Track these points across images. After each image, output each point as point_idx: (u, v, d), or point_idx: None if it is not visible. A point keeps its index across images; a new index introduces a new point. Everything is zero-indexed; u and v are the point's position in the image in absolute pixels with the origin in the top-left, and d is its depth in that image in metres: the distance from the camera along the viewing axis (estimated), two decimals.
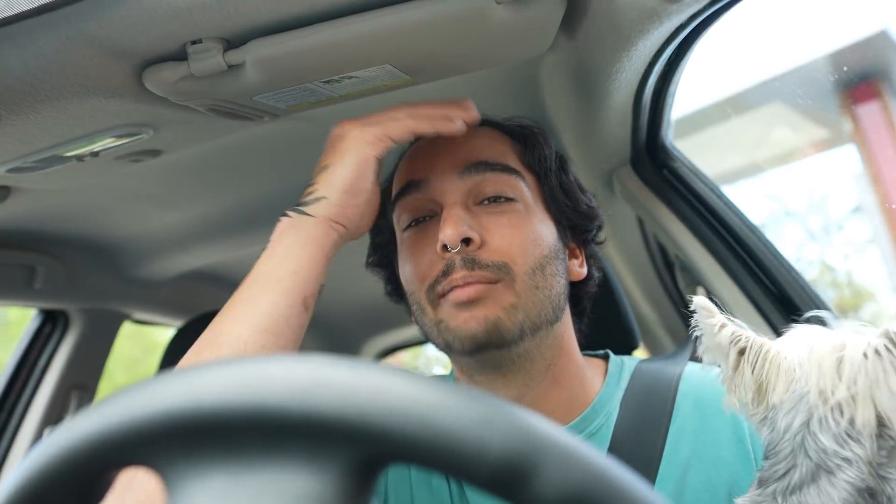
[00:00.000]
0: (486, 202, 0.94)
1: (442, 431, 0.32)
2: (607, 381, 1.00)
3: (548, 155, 1.02)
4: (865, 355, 0.68)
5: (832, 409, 0.68)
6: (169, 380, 0.35)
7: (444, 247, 0.88)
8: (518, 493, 0.32)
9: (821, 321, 0.77)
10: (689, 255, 1.32)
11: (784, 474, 0.68)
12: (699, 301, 0.76)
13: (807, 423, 0.69)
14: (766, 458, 0.71)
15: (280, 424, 0.34)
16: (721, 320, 0.75)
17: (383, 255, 1.09)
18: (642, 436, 0.92)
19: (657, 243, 1.94)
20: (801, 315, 1.19)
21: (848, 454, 0.67)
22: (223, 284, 2.20)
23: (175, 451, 0.35)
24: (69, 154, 1.01)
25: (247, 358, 0.36)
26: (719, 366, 0.75)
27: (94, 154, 1.03)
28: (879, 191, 7.29)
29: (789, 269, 1.24)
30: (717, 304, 0.77)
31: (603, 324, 1.36)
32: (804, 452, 0.68)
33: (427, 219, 0.95)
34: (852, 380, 0.68)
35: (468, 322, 0.87)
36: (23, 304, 1.72)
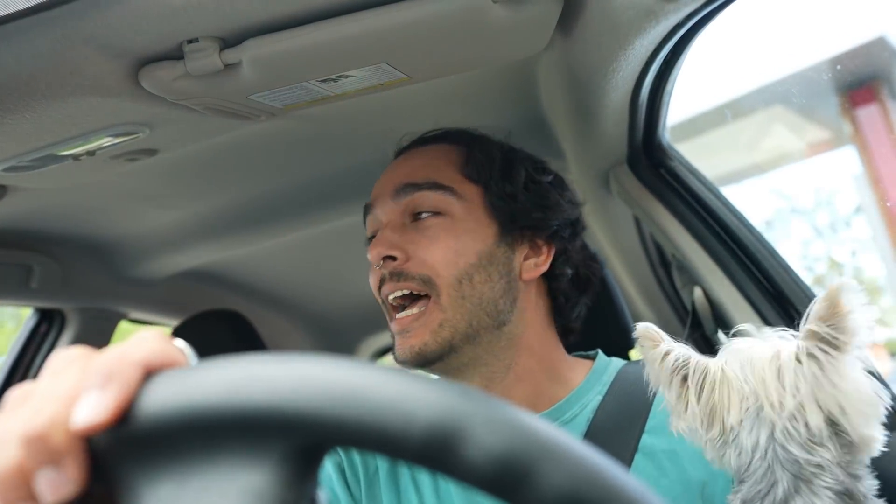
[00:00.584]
0: (418, 219, 1.01)
1: (367, 410, 0.33)
2: (589, 376, 1.04)
3: (487, 162, 1.05)
4: (798, 360, 0.68)
5: (789, 420, 0.68)
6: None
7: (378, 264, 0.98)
8: (448, 462, 0.33)
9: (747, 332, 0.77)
10: (686, 253, 1.32)
11: (768, 492, 0.67)
12: (641, 330, 0.76)
13: (772, 437, 0.68)
14: (741, 482, 0.70)
15: (214, 424, 0.35)
16: (664, 348, 0.74)
17: None
18: (619, 427, 0.95)
19: (654, 242, 1.94)
20: (799, 313, 1.19)
21: (818, 460, 0.67)
22: (219, 284, 2.20)
23: (127, 466, 0.36)
24: (65, 153, 1.00)
25: (182, 368, 0.38)
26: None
27: (91, 153, 1.03)
28: (878, 191, 7.33)
29: (786, 267, 1.24)
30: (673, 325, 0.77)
31: (599, 323, 1.36)
32: (780, 466, 0.68)
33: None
34: (795, 387, 0.68)
35: (400, 349, 0.97)
36: (19, 304, 1.71)
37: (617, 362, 1.08)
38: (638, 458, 0.93)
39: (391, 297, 0.97)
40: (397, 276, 0.96)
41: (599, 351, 1.11)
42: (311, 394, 0.34)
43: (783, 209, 10.14)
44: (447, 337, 0.95)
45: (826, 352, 0.67)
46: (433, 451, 0.33)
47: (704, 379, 0.72)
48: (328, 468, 1.01)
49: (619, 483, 0.33)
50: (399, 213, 1.01)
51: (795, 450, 0.67)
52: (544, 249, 1.06)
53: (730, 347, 0.75)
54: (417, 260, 0.97)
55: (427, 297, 0.96)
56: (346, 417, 0.33)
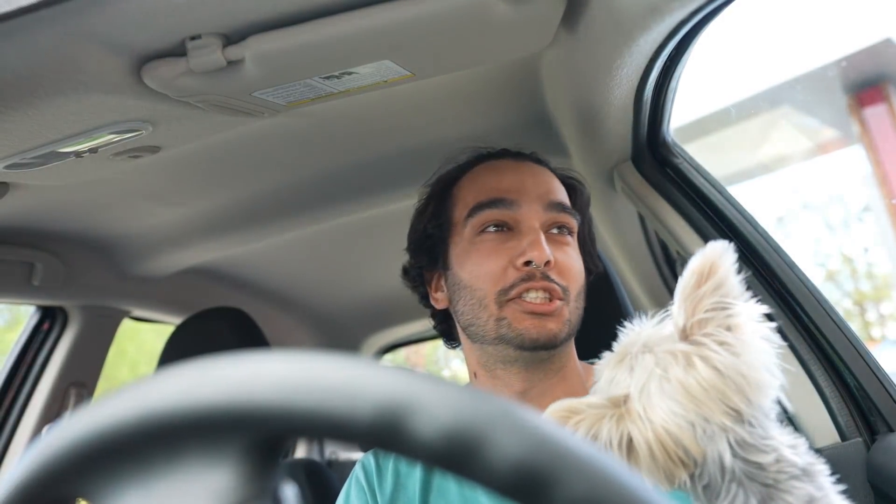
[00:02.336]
0: (554, 231, 1.12)
1: (316, 397, 0.33)
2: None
3: (587, 205, 1.23)
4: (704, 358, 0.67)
5: (733, 425, 0.66)
6: (74, 418, 0.37)
7: (528, 262, 1.04)
8: (398, 439, 0.33)
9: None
10: (691, 251, 1.32)
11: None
12: (552, 410, 0.73)
13: (731, 450, 0.66)
14: None
15: (171, 428, 0.35)
16: (574, 423, 0.71)
17: (430, 244, 1.19)
18: None
19: (658, 240, 1.94)
20: (804, 310, 1.19)
21: (772, 456, 0.66)
22: (222, 281, 2.20)
23: (92, 480, 0.37)
24: (67, 150, 1.00)
25: (139, 380, 0.38)
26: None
27: (93, 150, 1.03)
28: (886, 189, 7.34)
29: (791, 264, 1.23)
30: None
31: (604, 321, 1.36)
32: (748, 479, 0.66)
33: (503, 230, 1.10)
34: (722, 393, 0.66)
35: (531, 329, 1.04)
36: (21, 301, 1.71)
37: None
38: None
39: (536, 295, 1.05)
40: (547, 278, 1.05)
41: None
42: (261, 387, 0.34)
43: (795, 206, 10.17)
44: (566, 333, 1.07)
45: (726, 341, 0.66)
46: (381, 431, 0.33)
47: (630, 445, 0.69)
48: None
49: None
50: (545, 223, 1.10)
51: (755, 455, 0.66)
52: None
53: (599, 379, 0.75)
54: (559, 270, 1.07)
55: (560, 300, 1.06)
56: (298, 407, 0.34)
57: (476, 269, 1.09)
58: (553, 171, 1.20)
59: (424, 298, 1.24)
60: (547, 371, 1.10)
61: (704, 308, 0.69)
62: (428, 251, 1.19)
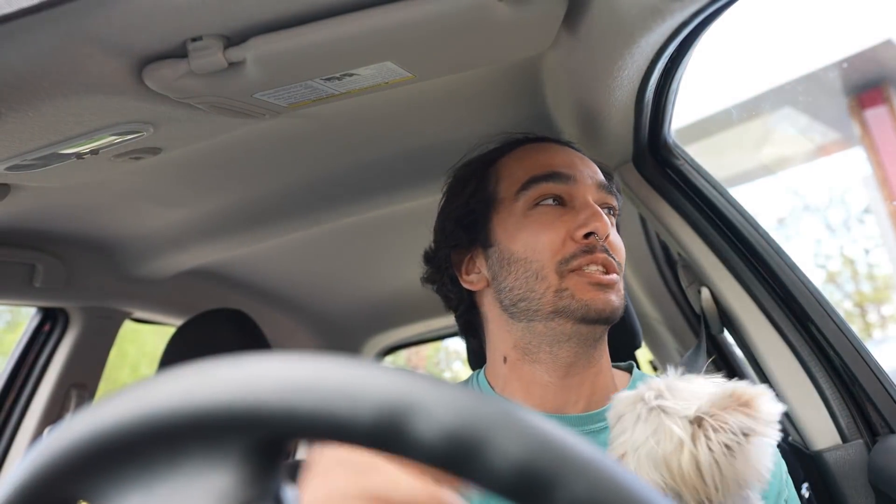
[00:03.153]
0: (605, 211, 1.10)
1: (317, 399, 0.33)
2: (631, 384, 1.13)
3: (620, 191, 1.22)
4: (710, 448, 0.72)
5: None
6: (75, 419, 0.37)
7: (588, 234, 1.04)
8: (399, 441, 0.33)
9: None
10: (692, 252, 1.32)
11: None
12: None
13: None
14: None
15: (173, 430, 0.35)
16: None
17: (471, 221, 1.16)
18: None
19: (659, 241, 1.94)
20: (805, 312, 1.19)
21: None
22: (223, 283, 2.20)
23: (97, 481, 0.37)
24: (69, 151, 1.00)
25: (140, 381, 0.38)
26: None
27: (94, 152, 1.03)
28: (886, 191, 7.35)
29: (792, 266, 1.23)
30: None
31: None
32: None
33: (557, 203, 1.09)
34: (714, 480, 0.72)
35: (598, 299, 1.03)
36: (22, 303, 1.71)
37: (648, 377, 1.14)
38: None
39: (596, 269, 1.05)
40: (606, 252, 1.05)
41: (633, 363, 1.19)
42: (263, 389, 0.34)
43: (796, 207, 10.18)
44: (620, 312, 1.06)
45: (739, 442, 0.71)
46: (382, 433, 0.33)
47: None
48: None
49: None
50: (596, 201, 1.09)
51: None
52: None
53: (630, 444, 0.79)
54: (612, 247, 1.07)
55: (617, 273, 1.07)
56: (299, 409, 0.34)
57: (532, 240, 1.07)
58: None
59: (453, 282, 1.19)
60: (592, 357, 1.08)
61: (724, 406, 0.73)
62: (467, 228, 1.16)
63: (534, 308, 1.06)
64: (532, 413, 0.34)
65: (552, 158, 1.13)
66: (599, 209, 1.06)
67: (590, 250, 1.04)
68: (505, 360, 1.11)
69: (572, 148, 1.19)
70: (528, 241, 1.07)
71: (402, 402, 0.33)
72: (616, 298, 1.05)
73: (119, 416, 0.36)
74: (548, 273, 1.05)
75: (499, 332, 1.13)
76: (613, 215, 1.14)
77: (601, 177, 1.14)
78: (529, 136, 1.21)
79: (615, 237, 1.10)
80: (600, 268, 1.04)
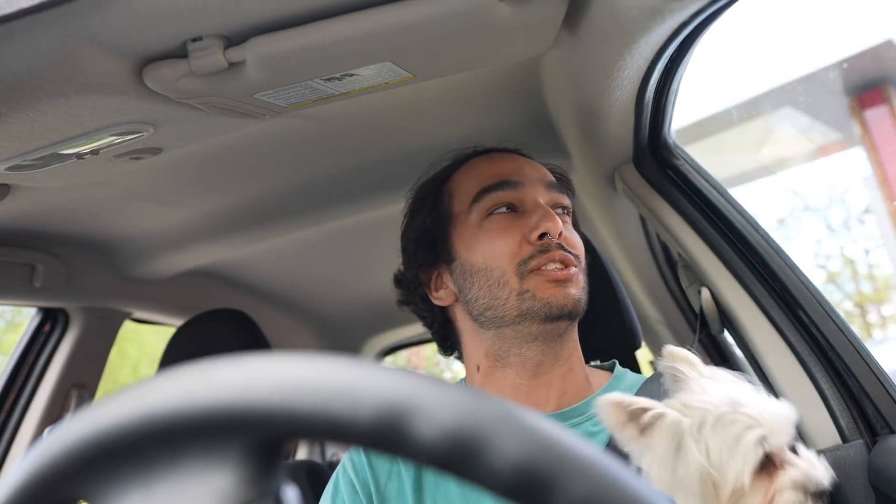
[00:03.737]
0: (557, 211, 1.14)
1: (317, 400, 0.33)
2: (610, 381, 1.16)
3: (573, 190, 1.26)
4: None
5: None
6: (75, 419, 0.37)
7: (542, 235, 1.07)
8: (399, 442, 0.33)
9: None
10: (692, 253, 1.32)
11: None
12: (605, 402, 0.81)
13: None
14: None
15: (173, 429, 0.35)
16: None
17: (430, 238, 1.19)
18: None
19: (660, 241, 1.93)
20: (806, 312, 1.18)
21: None
22: (223, 283, 2.20)
23: (97, 481, 0.37)
24: (69, 152, 1.00)
25: (140, 381, 0.38)
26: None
27: (94, 152, 1.03)
28: (887, 191, 7.36)
29: (792, 266, 1.23)
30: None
31: (605, 322, 1.36)
32: None
33: (510, 211, 1.12)
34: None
35: (558, 295, 1.06)
36: (22, 303, 1.71)
37: (634, 376, 1.18)
38: None
39: (554, 266, 1.08)
40: (562, 248, 1.08)
41: (615, 361, 1.21)
42: (263, 389, 0.34)
43: (796, 208, 10.19)
44: (583, 304, 1.10)
45: None
46: (382, 434, 0.33)
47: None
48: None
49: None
50: (547, 203, 1.13)
51: None
52: None
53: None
54: (568, 243, 1.10)
55: (575, 266, 1.10)
56: (299, 409, 0.34)
57: (489, 248, 1.10)
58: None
59: (424, 301, 1.22)
60: (560, 354, 1.11)
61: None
62: (428, 247, 1.19)
63: (500, 315, 1.09)
64: (532, 414, 0.34)
65: (499, 167, 1.17)
66: (550, 210, 1.10)
67: (545, 250, 1.07)
68: (478, 368, 1.15)
69: (520, 154, 1.23)
70: (486, 251, 1.11)
71: (401, 402, 0.33)
72: (575, 291, 1.08)
73: (119, 417, 0.36)
74: (508, 278, 1.08)
75: (471, 342, 1.16)
76: (567, 214, 1.18)
77: (551, 177, 1.18)
78: (478, 150, 1.24)
79: (570, 234, 1.14)
80: (558, 264, 1.07)
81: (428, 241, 1.19)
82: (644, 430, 0.80)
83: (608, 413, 0.81)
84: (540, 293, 1.06)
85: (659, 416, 0.79)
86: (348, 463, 1.14)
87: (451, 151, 1.25)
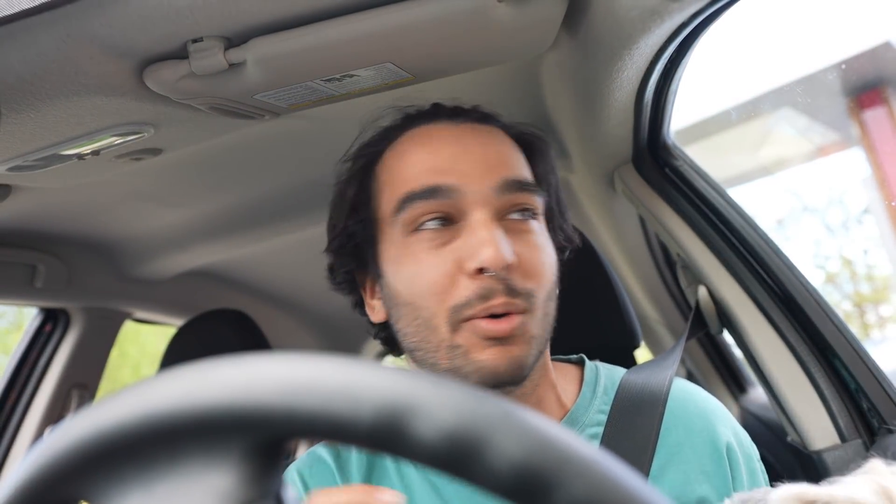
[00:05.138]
0: (513, 217, 0.87)
1: (317, 399, 0.34)
2: (583, 391, 0.97)
3: (553, 167, 0.98)
4: None
5: None
6: (76, 419, 0.38)
7: (480, 270, 0.81)
8: (399, 442, 0.33)
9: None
10: (691, 253, 1.32)
11: None
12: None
13: None
14: None
15: (174, 429, 0.35)
16: None
17: (353, 246, 0.96)
18: (630, 457, 0.89)
19: (659, 242, 1.94)
20: (804, 313, 1.19)
21: None
22: (224, 283, 2.20)
23: (98, 481, 0.37)
24: (70, 152, 1.00)
25: (140, 381, 0.38)
26: None
27: (95, 152, 1.03)
28: (885, 192, 7.36)
29: (791, 267, 1.23)
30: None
31: (604, 323, 1.36)
32: None
33: (443, 224, 0.85)
34: None
35: (495, 359, 0.82)
36: (24, 303, 1.72)
37: (607, 371, 1.02)
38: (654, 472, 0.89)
39: (496, 314, 0.82)
40: (511, 290, 0.82)
41: (583, 356, 1.04)
42: (264, 388, 0.34)
43: (795, 208, 10.19)
44: (534, 355, 0.85)
45: None
46: (383, 434, 0.33)
47: None
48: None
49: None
50: (500, 209, 0.86)
51: None
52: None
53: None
54: (523, 271, 0.84)
55: (522, 314, 0.84)
56: (297, 409, 0.34)
57: (415, 280, 0.85)
58: (505, 127, 0.96)
59: (359, 306, 1.01)
60: (522, 395, 0.89)
61: None
62: (353, 253, 0.96)
63: (430, 361, 0.86)
64: (532, 413, 0.34)
65: (435, 158, 0.88)
66: (494, 231, 0.82)
67: (486, 295, 0.81)
68: None
69: (477, 118, 0.95)
70: (412, 282, 0.85)
71: (402, 402, 0.33)
72: (519, 350, 0.82)
73: (119, 416, 0.36)
74: (438, 323, 0.83)
75: (414, 369, 0.92)
76: (533, 216, 0.89)
77: (510, 169, 0.88)
78: (419, 112, 0.96)
79: (531, 253, 0.86)
80: (499, 319, 0.82)
81: (352, 247, 0.96)
82: None
83: None
84: (473, 354, 0.82)
85: None
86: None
87: (392, 107, 0.98)
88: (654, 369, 1.02)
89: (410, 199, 0.86)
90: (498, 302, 0.81)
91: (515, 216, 0.87)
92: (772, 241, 1.27)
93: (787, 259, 1.24)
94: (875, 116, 7.21)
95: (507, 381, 0.83)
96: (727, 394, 2.18)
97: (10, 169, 1.02)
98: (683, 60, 1.13)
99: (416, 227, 0.86)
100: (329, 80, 0.95)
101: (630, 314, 1.42)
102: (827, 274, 9.95)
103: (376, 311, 0.96)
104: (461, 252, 0.83)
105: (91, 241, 1.62)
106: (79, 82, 0.84)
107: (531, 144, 0.96)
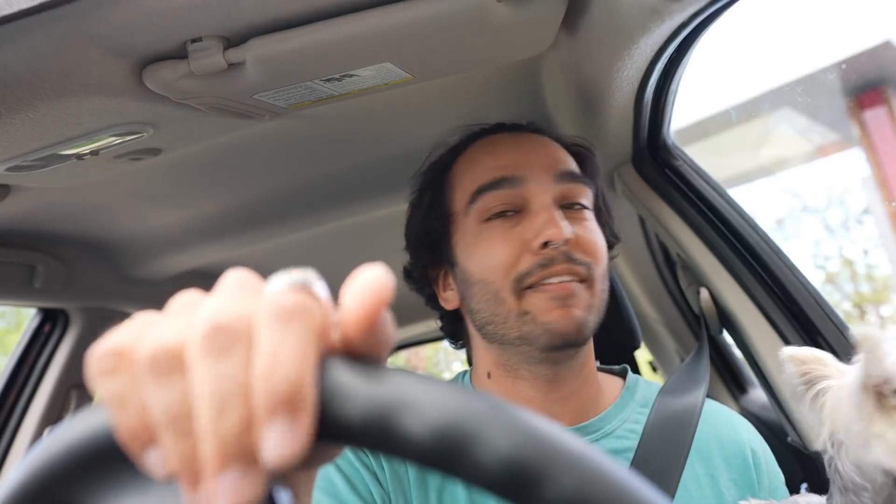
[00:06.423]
0: (567, 207, 1.00)
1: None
2: (623, 393, 1.06)
3: (599, 172, 1.10)
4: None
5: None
6: (70, 422, 0.38)
7: (545, 244, 0.93)
8: (388, 439, 0.33)
9: None
10: (691, 253, 1.32)
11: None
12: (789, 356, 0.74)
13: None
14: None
15: None
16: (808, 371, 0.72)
17: (431, 240, 1.09)
18: (666, 454, 0.97)
19: (659, 242, 1.94)
20: (804, 313, 1.18)
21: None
22: None
23: (93, 483, 0.37)
24: (69, 152, 1.00)
25: None
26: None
27: (94, 153, 1.03)
28: (885, 193, 7.37)
29: (791, 267, 1.23)
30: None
31: (605, 323, 1.36)
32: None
33: (511, 213, 0.99)
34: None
35: (560, 320, 0.93)
36: (22, 303, 1.72)
37: (648, 383, 1.10)
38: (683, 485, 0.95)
39: (558, 280, 0.94)
40: (571, 259, 0.95)
41: (627, 367, 1.13)
42: None
43: (795, 208, 10.20)
44: (594, 322, 0.97)
45: None
46: (372, 429, 0.33)
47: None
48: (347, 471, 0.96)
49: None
50: (556, 197, 0.99)
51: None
52: None
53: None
54: (582, 246, 0.97)
55: (583, 281, 0.97)
56: None
57: (486, 259, 0.98)
58: (558, 139, 1.10)
59: (432, 300, 1.12)
60: (573, 368, 1.00)
61: None
62: (430, 248, 1.09)
63: (501, 332, 0.98)
64: (520, 408, 0.34)
65: (499, 158, 1.03)
66: (555, 212, 0.96)
67: (546, 263, 0.94)
68: (489, 375, 1.05)
69: (532, 131, 1.10)
70: (483, 261, 0.99)
71: (389, 399, 0.33)
72: (580, 312, 0.94)
73: (113, 419, 0.36)
74: (505, 295, 0.96)
75: (480, 349, 1.06)
76: (586, 207, 1.03)
77: (564, 164, 1.03)
78: (484, 128, 1.12)
79: (587, 234, 0.99)
80: (564, 277, 0.94)
81: (429, 242, 1.09)
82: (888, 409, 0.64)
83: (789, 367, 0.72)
84: (541, 316, 0.94)
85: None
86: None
87: (459, 128, 1.13)
88: (687, 384, 1.08)
89: (481, 190, 1.00)
90: (560, 268, 0.94)
91: (571, 206, 1.01)
92: (772, 241, 1.27)
93: (788, 259, 1.24)
94: (875, 116, 7.21)
95: (571, 342, 0.95)
96: (727, 394, 2.18)
97: (9, 169, 1.01)
98: (683, 60, 1.13)
99: (487, 217, 1.00)
100: (328, 80, 0.95)
101: (630, 314, 1.43)
102: (827, 274, 9.96)
103: (449, 301, 1.08)
104: (527, 233, 0.96)
105: (90, 241, 1.62)
106: (78, 82, 0.83)
107: (579, 153, 1.10)
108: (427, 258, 1.10)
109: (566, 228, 0.94)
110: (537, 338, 0.95)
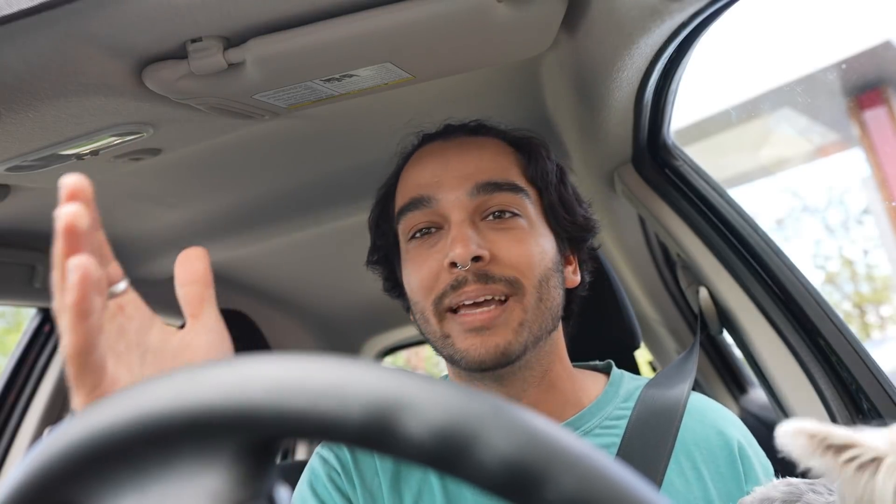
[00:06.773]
0: (491, 217, 0.96)
1: (306, 399, 0.34)
2: (606, 389, 1.04)
3: (549, 169, 1.04)
4: None
5: None
6: (70, 422, 0.38)
7: (453, 264, 0.90)
8: (389, 440, 0.33)
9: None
10: (691, 253, 1.32)
11: None
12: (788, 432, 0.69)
13: None
14: None
15: (166, 431, 0.35)
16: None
17: (383, 255, 1.10)
18: (649, 448, 0.95)
19: (658, 242, 1.94)
20: (804, 313, 1.18)
21: None
22: (224, 284, 2.20)
23: (92, 483, 0.37)
24: (69, 152, 1.00)
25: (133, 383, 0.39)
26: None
27: (94, 153, 1.03)
28: (885, 192, 7.37)
29: (791, 267, 1.23)
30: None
31: (605, 323, 1.36)
32: None
33: (433, 230, 0.97)
34: None
35: (477, 348, 0.91)
36: (22, 303, 1.72)
37: (634, 378, 1.09)
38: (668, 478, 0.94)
39: (471, 302, 0.91)
40: (485, 278, 0.91)
41: (611, 362, 1.11)
42: (254, 390, 0.34)
43: (795, 208, 10.22)
44: (525, 339, 0.92)
45: None
46: (371, 432, 0.33)
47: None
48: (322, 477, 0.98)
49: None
50: (472, 210, 0.95)
51: None
52: (572, 259, 1.07)
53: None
54: (503, 261, 0.92)
55: (506, 299, 0.92)
56: (287, 409, 0.34)
57: (412, 279, 0.98)
58: (499, 133, 1.06)
59: (408, 311, 1.09)
60: (526, 381, 0.97)
61: None
62: (383, 264, 1.10)
63: (437, 350, 0.98)
64: (521, 409, 0.34)
65: (420, 175, 1.00)
66: (463, 229, 0.92)
67: (457, 285, 0.91)
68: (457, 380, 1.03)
69: (468, 131, 1.05)
70: (410, 281, 0.99)
71: (390, 399, 0.33)
72: (501, 338, 0.90)
73: (112, 419, 0.36)
74: (429, 316, 0.95)
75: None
76: (517, 215, 0.97)
77: (485, 173, 0.97)
78: (426, 135, 1.08)
79: (510, 245, 0.94)
80: (472, 309, 0.91)
81: (380, 260, 1.10)
82: (845, 463, 0.61)
83: (794, 443, 0.67)
84: (459, 343, 0.92)
85: (873, 455, 0.65)
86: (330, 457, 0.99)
87: (408, 134, 1.09)
88: (673, 378, 1.06)
89: (402, 211, 1.00)
90: (470, 289, 0.91)
91: (494, 217, 0.96)
92: (772, 242, 1.26)
93: (787, 259, 1.24)
94: (875, 116, 7.22)
95: (490, 367, 0.91)
96: (727, 394, 2.18)
97: (9, 169, 1.02)
98: (683, 60, 1.13)
99: (411, 236, 0.99)
100: (328, 80, 0.95)
101: (630, 314, 1.42)
102: (827, 274, 9.97)
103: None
104: (442, 252, 0.93)
105: None
106: (78, 82, 0.83)
107: (525, 147, 1.04)
108: (387, 273, 1.11)
109: (473, 247, 0.90)
110: (459, 361, 0.93)
